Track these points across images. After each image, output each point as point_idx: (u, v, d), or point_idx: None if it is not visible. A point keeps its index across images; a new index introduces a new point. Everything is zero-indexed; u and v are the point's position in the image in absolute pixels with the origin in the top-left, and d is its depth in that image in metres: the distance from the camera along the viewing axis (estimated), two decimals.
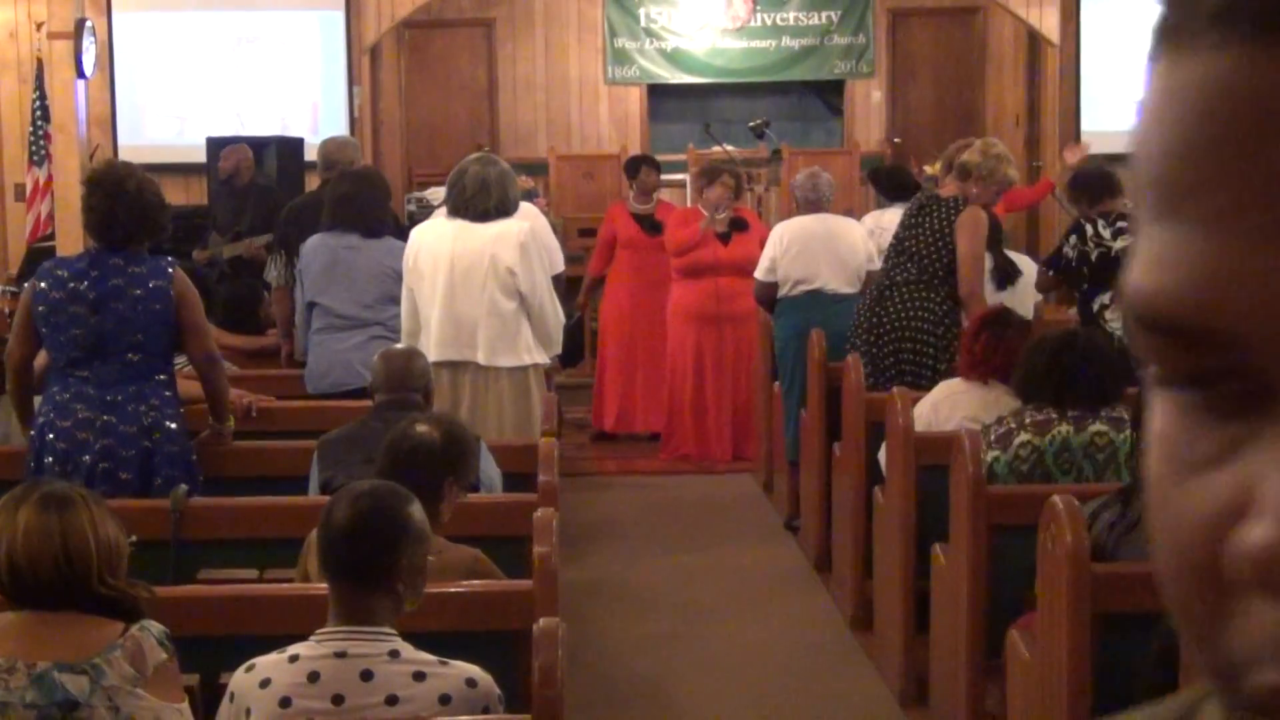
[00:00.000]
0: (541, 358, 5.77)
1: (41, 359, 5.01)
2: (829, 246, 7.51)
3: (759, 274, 7.68)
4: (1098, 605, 3.57)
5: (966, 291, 6.13)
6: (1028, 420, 4.69)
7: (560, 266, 6.71)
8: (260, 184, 9.53)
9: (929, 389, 5.58)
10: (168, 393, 4.94)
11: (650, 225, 9.17)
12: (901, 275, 6.45)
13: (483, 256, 5.65)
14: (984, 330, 5.31)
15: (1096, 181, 6.64)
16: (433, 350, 5.67)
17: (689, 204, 11.79)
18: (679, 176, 12.20)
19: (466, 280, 5.67)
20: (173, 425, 4.90)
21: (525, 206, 7.25)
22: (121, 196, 4.84)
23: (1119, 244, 6.24)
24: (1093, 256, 6.21)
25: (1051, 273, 6.44)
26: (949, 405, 5.34)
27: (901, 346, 6.35)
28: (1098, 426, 4.65)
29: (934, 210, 6.26)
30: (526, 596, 3.56)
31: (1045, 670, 3.75)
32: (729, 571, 6.89)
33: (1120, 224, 6.28)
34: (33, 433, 4.92)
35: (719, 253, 8.45)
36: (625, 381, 9.31)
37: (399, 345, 5.20)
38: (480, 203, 5.71)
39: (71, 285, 4.82)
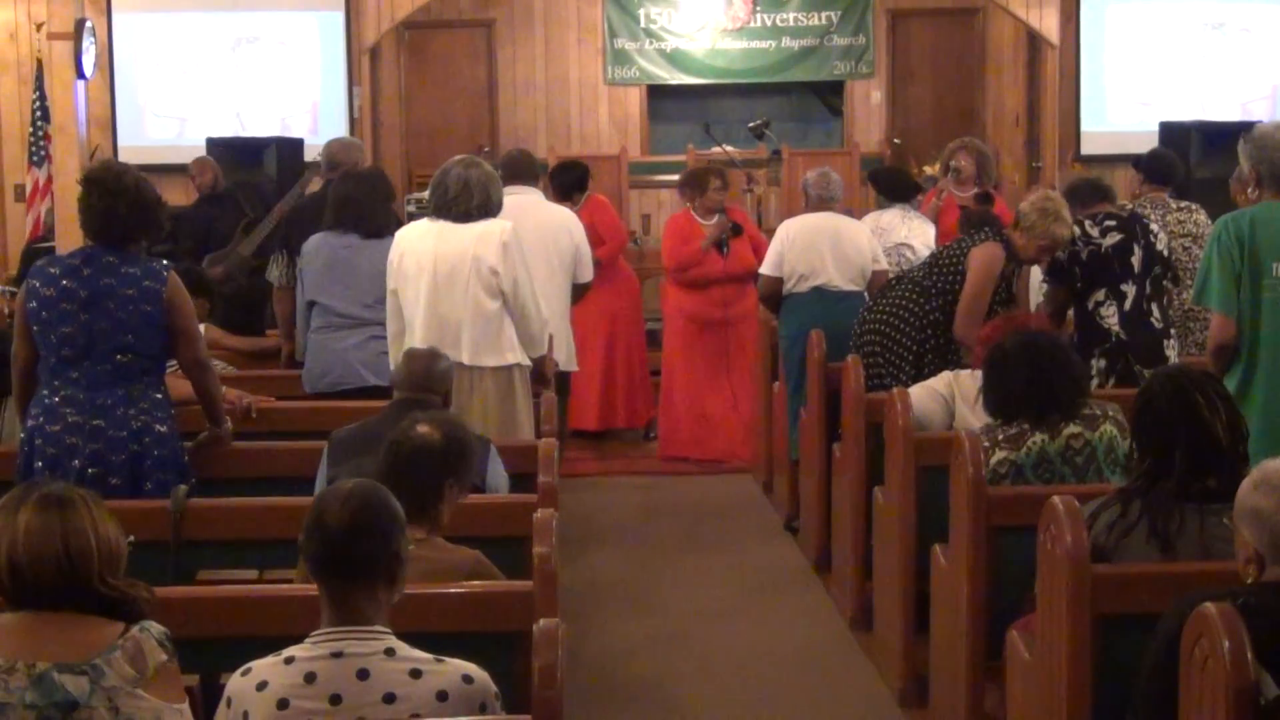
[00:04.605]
0: (525, 358, 5.76)
1: None
2: (834, 243, 7.54)
3: (765, 269, 7.69)
4: (1097, 606, 3.57)
5: (959, 333, 6.10)
6: (1000, 437, 4.67)
7: (589, 275, 6.99)
8: (223, 190, 9.36)
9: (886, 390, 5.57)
10: (158, 395, 4.89)
11: None
12: (915, 272, 6.45)
13: (465, 257, 5.64)
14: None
15: (1086, 189, 6.67)
16: None
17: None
18: (678, 177, 12.17)
19: (450, 281, 5.66)
20: (162, 429, 4.85)
21: (567, 214, 7.30)
22: (122, 194, 4.80)
23: (1108, 241, 6.24)
24: (1084, 255, 6.20)
25: (1046, 279, 6.40)
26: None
27: (875, 341, 6.33)
28: (1071, 429, 4.64)
29: (974, 234, 6.25)
30: (526, 597, 3.56)
31: (1045, 671, 3.75)
32: (729, 571, 6.89)
33: (1108, 222, 6.28)
34: (22, 436, 4.88)
35: (719, 265, 8.54)
36: (596, 377, 9.27)
37: (423, 346, 5.19)
38: (462, 204, 5.71)
39: (63, 283, 4.77)
